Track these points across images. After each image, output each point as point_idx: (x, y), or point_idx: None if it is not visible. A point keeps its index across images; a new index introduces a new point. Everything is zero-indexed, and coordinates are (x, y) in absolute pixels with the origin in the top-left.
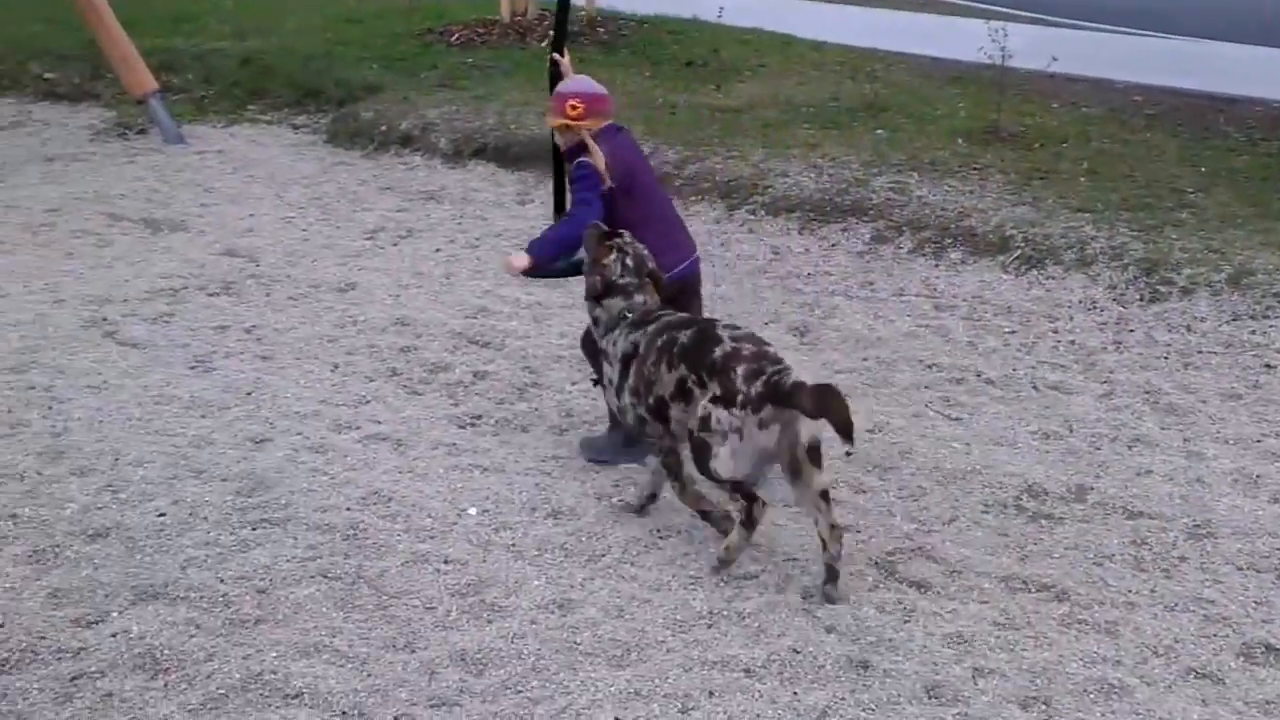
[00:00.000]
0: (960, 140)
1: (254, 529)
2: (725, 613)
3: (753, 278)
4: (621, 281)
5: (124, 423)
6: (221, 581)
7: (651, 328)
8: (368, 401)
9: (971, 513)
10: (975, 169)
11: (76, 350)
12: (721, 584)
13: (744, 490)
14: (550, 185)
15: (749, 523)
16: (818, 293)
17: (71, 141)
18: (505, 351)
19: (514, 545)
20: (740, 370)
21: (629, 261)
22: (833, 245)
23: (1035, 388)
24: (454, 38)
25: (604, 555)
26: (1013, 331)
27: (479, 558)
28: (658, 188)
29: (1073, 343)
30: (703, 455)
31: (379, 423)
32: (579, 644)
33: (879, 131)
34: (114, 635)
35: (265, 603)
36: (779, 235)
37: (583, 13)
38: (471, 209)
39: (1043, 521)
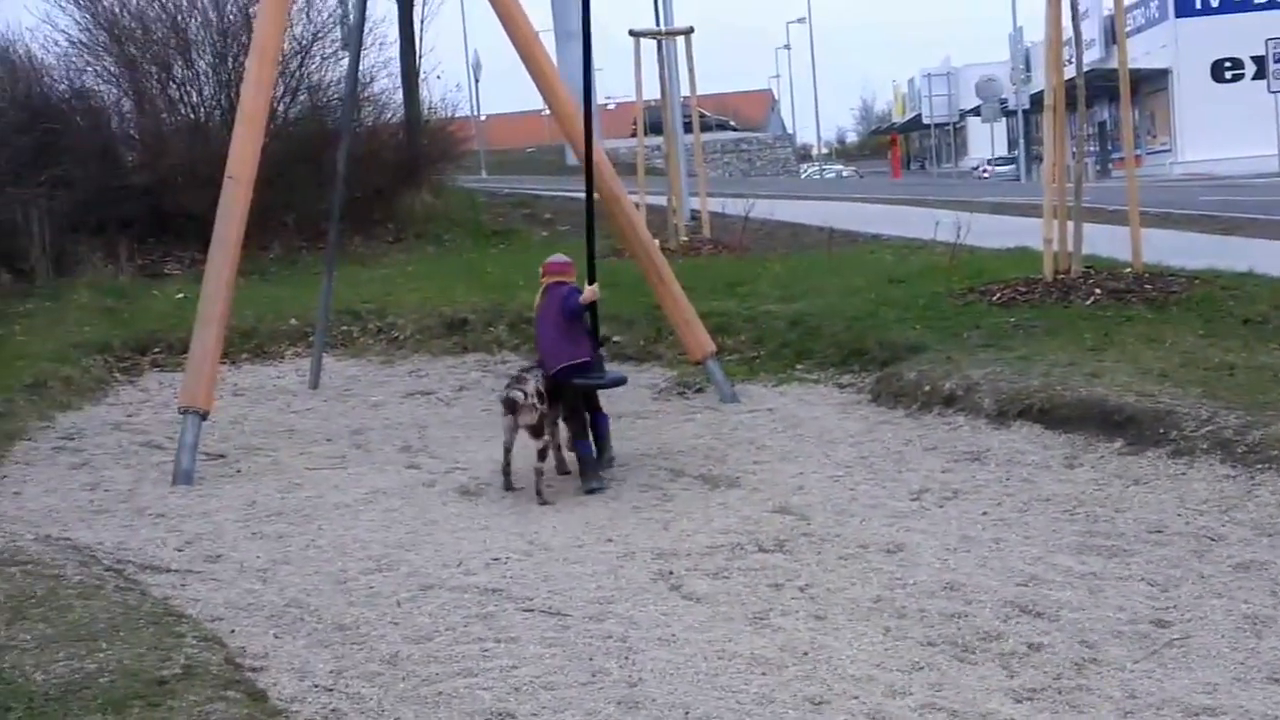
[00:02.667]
0: None
1: None
2: None
3: None
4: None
5: (692, 676)
6: None
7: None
8: (921, 668)
9: None
10: None
11: (646, 602)
12: None
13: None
14: None
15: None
16: None
17: (637, 399)
18: (1060, 624)
19: None
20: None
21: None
22: None
23: None
24: (995, 296)
25: None
26: None
27: None
28: (546, 323)
29: None
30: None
31: (934, 691)
32: None
33: None
34: None
35: None
36: None
37: (1129, 269)
38: (1018, 471)
39: None
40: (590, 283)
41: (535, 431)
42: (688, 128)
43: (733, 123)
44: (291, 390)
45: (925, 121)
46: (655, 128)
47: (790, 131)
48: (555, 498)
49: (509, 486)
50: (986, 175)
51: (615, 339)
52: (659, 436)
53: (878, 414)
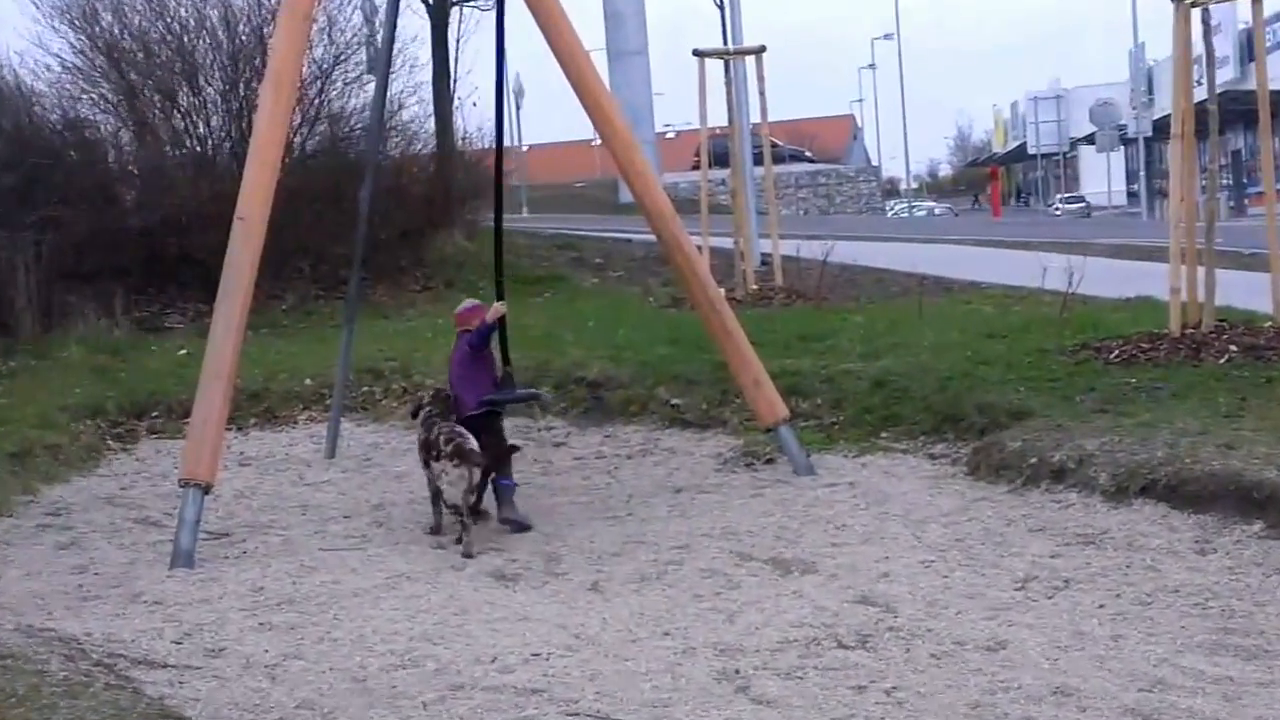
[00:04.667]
0: None
1: None
2: None
3: None
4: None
5: None
6: None
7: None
8: None
9: None
10: None
11: (709, 706)
12: None
13: (461, 511)
14: None
15: (467, 529)
16: None
17: (698, 471)
18: None
19: None
20: (442, 441)
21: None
22: None
23: None
24: (1113, 354)
25: None
26: None
27: None
28: (453, 369)
29: None
30: (438, 494)
31: None
32: None
33: None
34: None
35: None
36: None
37: (1270, 323)
38: (1139, 557)
39: None
40: (498, 299)
41: (485, 473)
42: (758, 159)
43: (809, 153)
44: (305, 460)
45: (1031, 151)
46: (721, 159)
47: (875, 163)
48: (607, 585)
49: (438, 529)
50: (1059, 213)
51: (673, 402)
52: (723, 514)
53: (975, 489)
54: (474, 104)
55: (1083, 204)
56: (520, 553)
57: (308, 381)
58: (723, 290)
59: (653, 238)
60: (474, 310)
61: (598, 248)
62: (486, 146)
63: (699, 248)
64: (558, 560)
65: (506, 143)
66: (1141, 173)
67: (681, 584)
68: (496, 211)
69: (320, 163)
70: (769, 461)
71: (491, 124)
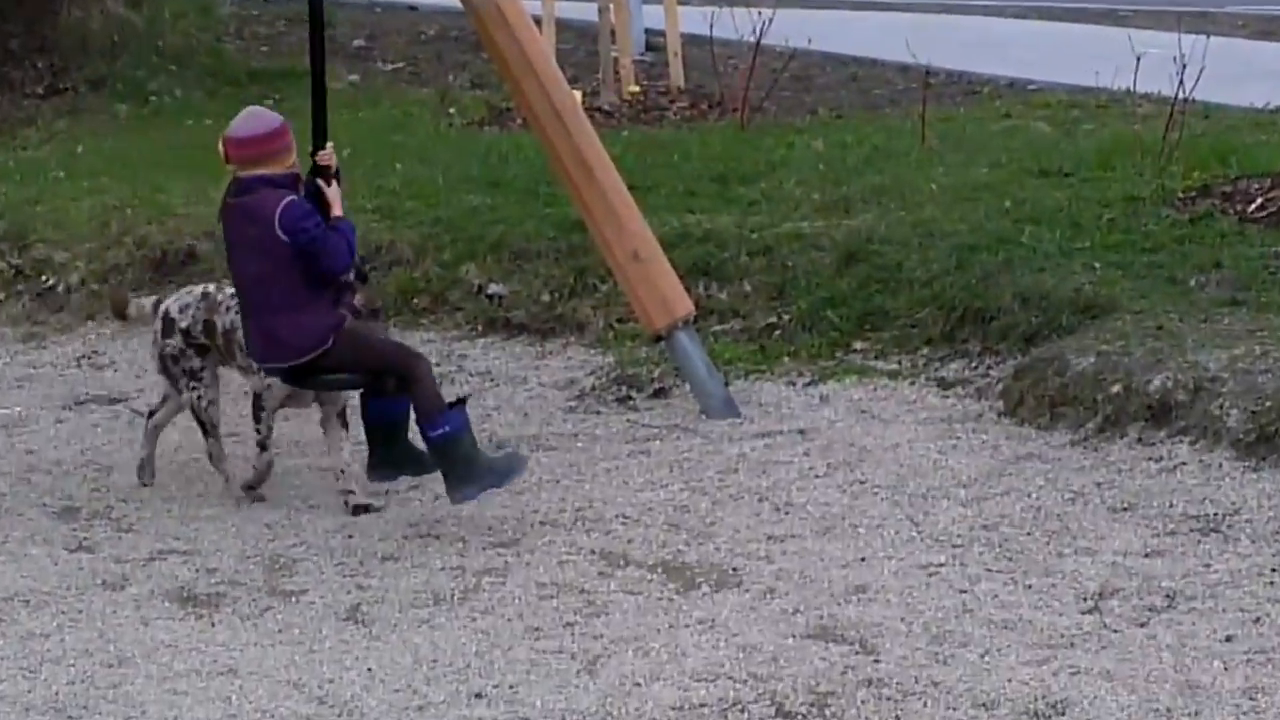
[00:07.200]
0: None
1: None
2: None
3: None
4: None
5: None
6: None
7: None
8: None
9: None
10: None
11: None
12: None
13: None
14: None
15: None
16: None
17: (536, 412)
18: None
19: None
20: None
21: None
22: None
23: None
24: (1253, 204)
25: None
26: None
27: None
28: (244, 272)
29: None
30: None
31: None
32: None
33: None
34: None
35: None
36: None
37: None
38: None
39: None
40: (319, 148)
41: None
42: None
43: None
44: None
45: None
46: None
47: None
48: (375, 611)
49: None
50: None
51: (492, 291)
52: (580, 486)
53: (1015, 439)
54: None
55: None
56: (222, 556)
57: None
58: (579, 94)
59: (455, 2)
60: (269, 136)
61: (357, 19)
62: None
63: (537, 19)
64: (288, 568)
65: None
66: None
67: (506, 608)
68: None
69: None
70: (659, 394)
71: None
